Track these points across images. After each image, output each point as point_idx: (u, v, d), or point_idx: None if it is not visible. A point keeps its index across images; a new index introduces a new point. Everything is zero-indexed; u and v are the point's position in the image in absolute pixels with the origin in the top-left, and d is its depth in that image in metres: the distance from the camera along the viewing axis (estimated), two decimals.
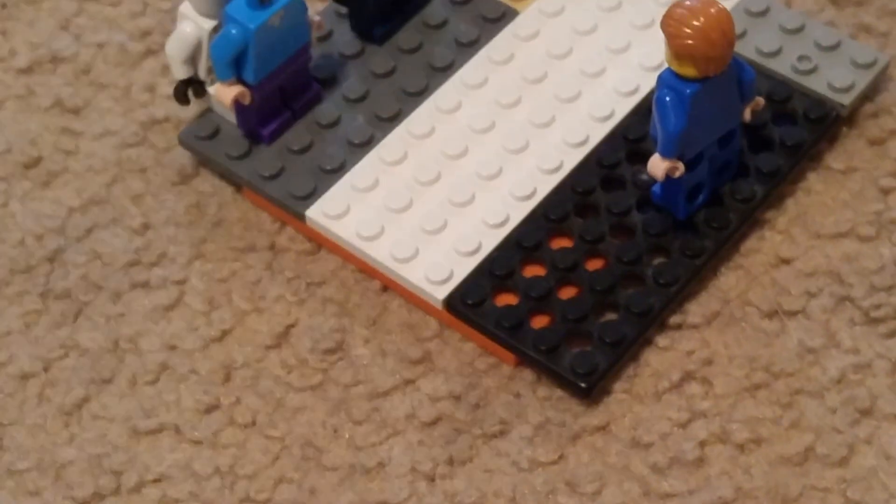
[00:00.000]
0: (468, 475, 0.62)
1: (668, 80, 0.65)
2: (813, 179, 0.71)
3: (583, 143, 0.71)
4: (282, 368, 0.66)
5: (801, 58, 0.73)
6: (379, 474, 0.63)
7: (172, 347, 0.67)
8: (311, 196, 0.69)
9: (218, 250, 0.70)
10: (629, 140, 0.71)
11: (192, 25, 0.70)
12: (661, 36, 0.65)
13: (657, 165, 0.65)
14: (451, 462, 0.63)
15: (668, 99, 0.64)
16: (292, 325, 0.67)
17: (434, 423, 0.64)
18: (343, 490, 0.62)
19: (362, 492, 0.62)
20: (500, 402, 0.65)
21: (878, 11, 0.77)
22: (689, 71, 0.64)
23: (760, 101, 0.68)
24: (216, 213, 0.71)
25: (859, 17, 0.76)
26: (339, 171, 0.70)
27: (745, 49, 0.73)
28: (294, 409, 0.65)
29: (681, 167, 0.65)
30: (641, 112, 0.72)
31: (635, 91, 0.73)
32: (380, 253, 0.67)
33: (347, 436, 0.64)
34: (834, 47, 0.73)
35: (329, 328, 0.67)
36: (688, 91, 0.64)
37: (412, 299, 0.68)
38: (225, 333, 0.67)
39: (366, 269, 0.69)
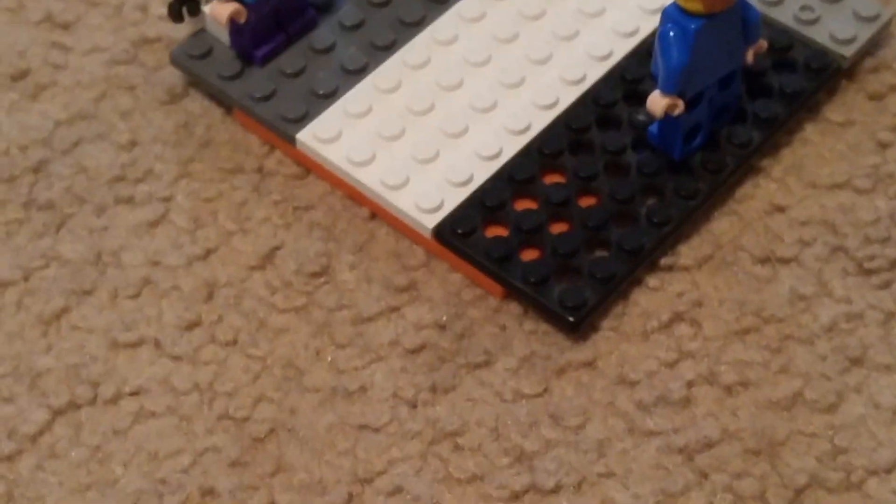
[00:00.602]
0: (451, 403, 0.61)
1: (672, 15, 0.64)
2: (810, 130, 0.70)
3: (580, 81, 0.70)
4: (266, 289, 0.65)
5: (803, 7, 0.72)
6: (360, 398, 0.61)
7: (155, 263, 0.65)
8: (303, 119, 0.68)
9: (205, 170, 0.69)
10: (627, 81, 0.70)
11: None
12: None
13: (657, 102, 0.64)
14: (433, 389, 0.62)
15: (671, 33, 0.63)
16: (278, 248, 0.66)
17: (418, 350, 0.63)
18: (324, 412, 0.61)
19: (343, 414, 0.61)
20: (485, 333, 0.64)
21: None
22: (695, 5, 0.63)
23: (763, 43, 0.67)
24: (204, 133, 0.70)
25: None
26: (331, 96, 0.69)
27: None
28: (277, 330, 0.63)
29: (681, 105, 0.65)
30: (640, 54, 0.71)
31: (635, 33, 0.72)
32: (370, 179, 0.66)
33: (330, 359, 0.63)
34: None
35: (315, 252, 0.66)
36: (692, 26, 0.63)
37: (400, 227, 0.67)
38: (209, 252, 0.66)
39: (354, 196, 0.68)
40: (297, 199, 0.68)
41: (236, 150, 0.69)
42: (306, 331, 0.63)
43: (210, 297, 0.64)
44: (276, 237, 0.66)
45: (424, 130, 0.68)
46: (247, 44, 0.69)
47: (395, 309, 0.64)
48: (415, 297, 0.65)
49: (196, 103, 0.71)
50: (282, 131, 0.68)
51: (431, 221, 0.65)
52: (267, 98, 0.69)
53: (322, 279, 0.65)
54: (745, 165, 0.68)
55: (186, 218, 0.67)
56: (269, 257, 0.66)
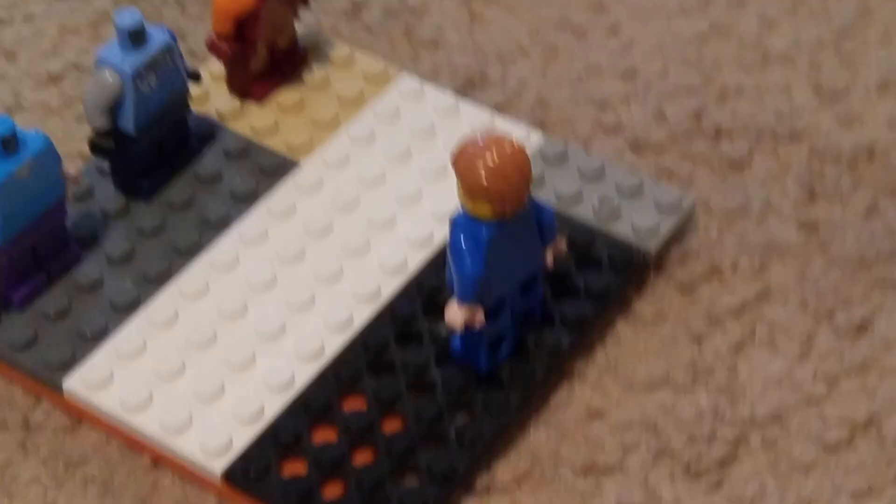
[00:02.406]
0: None
1: (462, 223, 0.60)
2: (622, 327, 0.66)
3: (374, 297, 0.65)
4: None
5: (602, 201, 0.69)
6: None
7: None
8: (70, 365, 0.62)
9: None
10: (424, 291, 0.65)
11: None
12: (452, 184, 0.60)
13: (455, 313, 0.60)
14: None
15: (462, 241, 0.59)
16: None
17: None
18: None
19: None
20: None
21: (678, 155, 0.73)
22: (483, 210, 0.59)
23: (562, 243, 0.63)
24: None
25: (660, 161, 0.73)
26: (100, 336, 0.63)
27: (545, 194, 0.68)
28: None
29: (481, 315, 0.60)
30: (436, 262, 0.66)
31: (429, 240, 0.67)
32: (148, 424, 0.60)
33: None
34: (636, 190, 0.69)
35: None
36: (484, 231, 0.59)
37: (186, 474, 0.60)
38: None
39: (133, 443, 0.61)
40: (68, 454, 0.61)
41: None
42: None
43: None
44: (46, 499, 0.59)
45: (206, 364, 0.62)
46: (1, 287, 0.63)
47: None
48: None
49: None
50: (47, 380, 0.62)
51: (220, 465, 0.59)
52: (28, 345, 0.63)
53: None
54: (557, 371, 0.64)
55: None
56: None
